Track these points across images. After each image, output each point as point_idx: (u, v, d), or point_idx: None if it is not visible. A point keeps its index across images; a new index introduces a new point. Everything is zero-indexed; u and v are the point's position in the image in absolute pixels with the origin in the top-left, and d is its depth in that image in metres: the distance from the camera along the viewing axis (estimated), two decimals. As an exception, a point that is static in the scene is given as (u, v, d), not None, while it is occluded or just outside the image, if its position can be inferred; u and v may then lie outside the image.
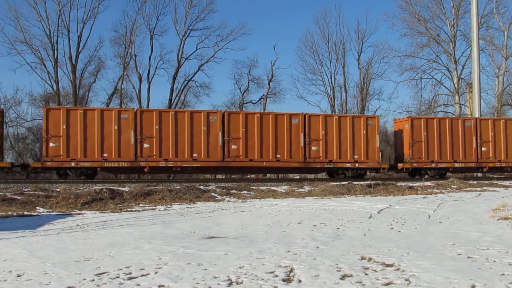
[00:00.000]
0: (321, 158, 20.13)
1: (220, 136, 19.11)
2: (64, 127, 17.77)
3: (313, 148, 20.08)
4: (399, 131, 22.12)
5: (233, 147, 19.23)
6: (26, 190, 13.75)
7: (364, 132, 20.58)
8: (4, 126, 23.38)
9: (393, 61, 59.25)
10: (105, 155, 18.09)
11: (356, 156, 20.40)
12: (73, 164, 17.89)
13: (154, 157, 18.53)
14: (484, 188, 17.42)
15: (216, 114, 19.35)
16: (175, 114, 19.11)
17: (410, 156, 20.94)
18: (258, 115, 20.02)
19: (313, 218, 8.89)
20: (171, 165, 18.82)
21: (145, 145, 18.47)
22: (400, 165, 21.20)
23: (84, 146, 17.91)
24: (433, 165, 21.19)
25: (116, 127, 18.20)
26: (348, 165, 20.35)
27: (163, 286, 4.11)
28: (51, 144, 17.67)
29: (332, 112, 36.16)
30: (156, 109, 19.55)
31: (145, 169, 18.56)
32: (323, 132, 20.18)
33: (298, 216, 9.27)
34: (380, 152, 21.08)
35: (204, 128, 18.99)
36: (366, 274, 4.39)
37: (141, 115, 18.59)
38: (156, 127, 18.58)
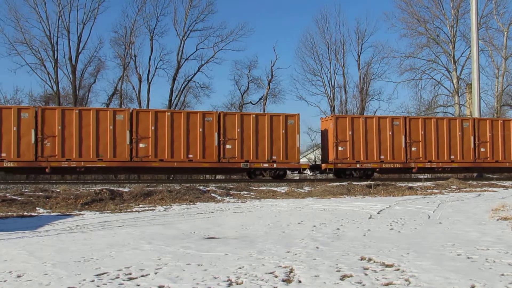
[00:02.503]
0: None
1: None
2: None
3: (228, 147, 19.18)
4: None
5: (141, 145, 18.53)
6: (26, 190, 13.75)
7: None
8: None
9: (392, 62, 59.42)
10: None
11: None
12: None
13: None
14: (484, 188, 17.44)
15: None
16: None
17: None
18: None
19: (313, 218, 8.90)
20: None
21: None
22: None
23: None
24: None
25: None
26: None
27: (163, 286, 4.11)
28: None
29: (332, 113, 36.18)
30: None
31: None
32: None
33: (298, 216, 9.27)
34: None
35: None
36: (366, 274, 4.39)
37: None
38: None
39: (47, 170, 17.49)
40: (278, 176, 20.14)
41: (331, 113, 35.92)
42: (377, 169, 21.18)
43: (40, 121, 17.58)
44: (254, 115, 19.94)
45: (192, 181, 18.92)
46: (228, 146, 19.19)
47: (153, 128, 18.51)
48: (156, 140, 18.54)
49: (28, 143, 17.38)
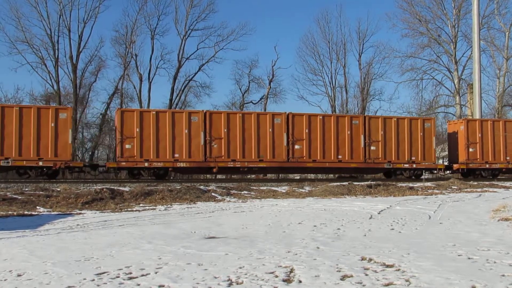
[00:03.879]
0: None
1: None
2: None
3: (372, 148, 20.90)
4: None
5: (296, 147, 20.40)
6: (26, 189, 13.75)
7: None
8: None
9: (394, 62, 59.11)
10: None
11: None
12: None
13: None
14: (485, 189, 17.42)
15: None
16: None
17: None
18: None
19: (313, 218, 8.89)
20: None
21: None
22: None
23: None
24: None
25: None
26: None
27: (163, 286, 4.10)
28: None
29: (332, 113, 36.17)
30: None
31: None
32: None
33: (299, 216, 9.27)
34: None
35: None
36: (366, 274, 4.39)
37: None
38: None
39: (214, 170, 19.40)
40: (416, 175, 21.53)
41: (332, 113, 35.97)
42: (503, 169, 22.73)
43: (208, 124, 19.29)
44: (395, 119, 21.63)
45: (192, 181, 18.94)
46: (372, 148, 21.01)
47: (307, 131, 20.26)
48: (309, 142, 20.18)
49: (198, 144, 19.16)
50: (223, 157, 19.25)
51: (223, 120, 19.38)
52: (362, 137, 20.76)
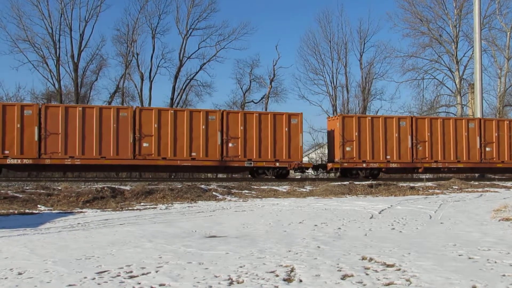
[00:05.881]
0: (427, 159, 21.52)
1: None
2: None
3: (419, 148, 21.18)
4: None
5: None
6: (27, 188, 13.77)
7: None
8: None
9: (395, 61, 59.19)
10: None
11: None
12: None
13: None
14: (486, 189, 17.41)
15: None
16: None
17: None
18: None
19: (314, 217, 8.89)
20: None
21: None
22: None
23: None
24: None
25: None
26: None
27: (164, 285, 4.11)
28: None
29: (333, 112, 36.18)
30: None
31: None
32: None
33: (299, 215, 9.27)
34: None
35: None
36: (367, 274, 4.38)
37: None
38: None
39: (420, 170, 21.60)
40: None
41: (333, 112, 35.97)
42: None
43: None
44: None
45: (193, 180, 18.94)
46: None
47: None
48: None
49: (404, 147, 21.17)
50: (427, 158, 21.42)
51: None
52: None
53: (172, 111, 19.42)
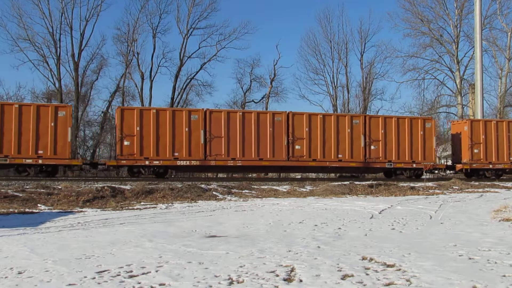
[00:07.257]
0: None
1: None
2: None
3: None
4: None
5: None
6: (27, 187, 13.76)
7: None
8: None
9: (395, 61, 59.33)
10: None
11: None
12: None
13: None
14: (486, 189, 17.40)
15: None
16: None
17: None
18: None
19: (314, 217, 8.89)
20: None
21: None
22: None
23: None
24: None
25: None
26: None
27: (164, 284, 4.10)
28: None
29: (334, 112, 36.14)
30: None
31: None
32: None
33: (300, 215, 9.26)
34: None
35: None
36: (367, 274, 4.38)
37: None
38: None
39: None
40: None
41: (333, 112, 35.93)
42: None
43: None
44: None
45: (193, 179, 18.95)
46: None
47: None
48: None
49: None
50: None
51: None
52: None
53: (321, 116, 20.74)
